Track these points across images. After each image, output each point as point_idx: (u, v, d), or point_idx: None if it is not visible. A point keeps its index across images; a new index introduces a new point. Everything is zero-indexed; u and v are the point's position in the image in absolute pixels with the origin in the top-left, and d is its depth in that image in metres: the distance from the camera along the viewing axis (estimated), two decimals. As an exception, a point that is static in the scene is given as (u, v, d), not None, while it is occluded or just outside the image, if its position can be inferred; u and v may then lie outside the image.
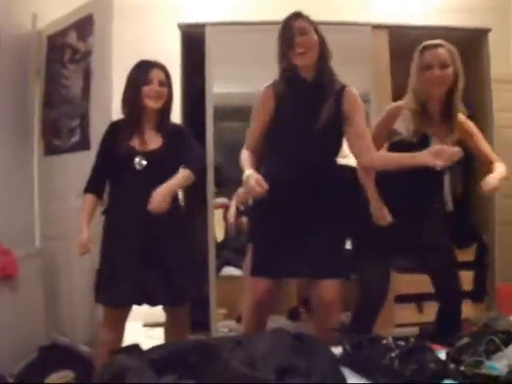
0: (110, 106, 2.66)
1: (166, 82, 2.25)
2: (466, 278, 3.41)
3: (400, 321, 3.16)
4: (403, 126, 2.17)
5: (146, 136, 2.21)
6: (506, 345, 1.78)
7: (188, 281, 2.20)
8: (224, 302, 3.15)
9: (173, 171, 2.21)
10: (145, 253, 2.13)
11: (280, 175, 2.09)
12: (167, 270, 2.15)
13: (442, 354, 1.78)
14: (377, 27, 3.14)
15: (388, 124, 2.22)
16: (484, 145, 2.32)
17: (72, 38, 2.99)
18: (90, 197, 2.25)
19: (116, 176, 2.22)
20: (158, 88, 2.20)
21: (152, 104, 2.20)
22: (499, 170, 2.22)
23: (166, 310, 2.31)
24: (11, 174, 2.12)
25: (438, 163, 1.84)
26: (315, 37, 2.06)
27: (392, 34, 3.15)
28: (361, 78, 3.07)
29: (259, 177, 1.95)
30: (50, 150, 3.10)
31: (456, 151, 1.84)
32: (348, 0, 3.71)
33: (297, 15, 2.07)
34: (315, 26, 2.08)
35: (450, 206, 3.52)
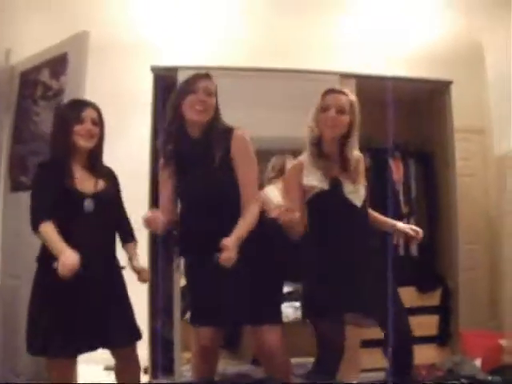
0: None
1: (99, 122, 2.19)
2: (431, 323, 3.46)
3: (366, 366, 3.15)
4: (311, 180, 2.18)
5: (80, 177, 2.13)
6: (469, 390, 1.80)
7: (134, 319, 2.18)
8: (189, 346, 3.09)
9: (115, 214, 2.22)
10: (91, 297, 2.06)
11: (192, 226, 2.12)
12: (117, 310, 2.11)
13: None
14: (344, 76, 3.25)
15: (294, 181, 2.22)
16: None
17: (45, 75, 3.00)
18: (50, 223, 2.01)
19: (61, 220, 2.05)
20: (91, 127, 2.14)
21: (84, 143, 2.13)
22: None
23: (115, 353, 2.20)
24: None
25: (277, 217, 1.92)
26: (214, 101, 2.12)
27: (359, 83, 3.25)
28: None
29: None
30: (16, 186, 3.06)
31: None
32: (317, 49, 3.83)
33: (206, 75, 2.14)
34: (216, 87, 2.15)
35: (414, 251, 3.58)
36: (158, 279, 2.84)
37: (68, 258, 1.92)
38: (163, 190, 2.23)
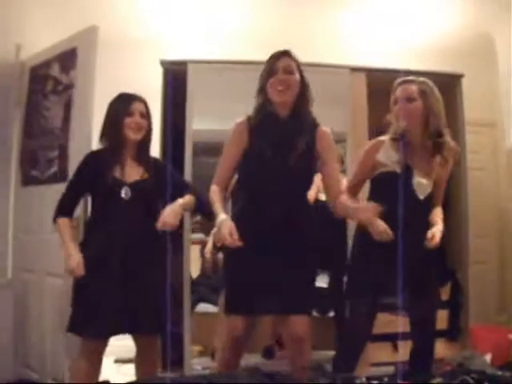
0: (90, 139, 2.66)
1: (147, 115, 2.29)
2: (441, 317, 3.44)
3: (375, 360, 3.15)
4: (386, 158, 2.23)
5: (127, 167, 2.23)
6: (479, 385, 1.80)
7: (160, 311, 2.19)
8: (199, 339, 3.11)
9: (157, 203, 2.25)
10: (125, 282, 2.11)
11: (252, 211, 2.11)
12: (147, 298, 2.14)
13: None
14: (355, 69, 3.24)
15: (368, 156, 2.27)
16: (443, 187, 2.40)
17: (55, 70, 3.01)
18: (66, 220, 2.23)
19: (99, 207, 2.22)
20: (140, 120, 2.24)
21: (133, 135, 2.23)
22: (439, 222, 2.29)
23: (137, 343, 2.27)
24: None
25: (363, 218, 2.03)
26: (298, 77, 2.10)
27: (369, 76, 3.24)
28: (338, 119, 3.14)
29: (232, 226, 1.96)
30: (28, 180, 3.08)
31: (372, 208, 1.99)
32: (327, 43, 3.82)
33: (284, 53, 2.12)
34: (300, 66, 2.14)
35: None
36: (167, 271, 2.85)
37: (71, 263, 2.10)
38: (226, 162, 2.18)
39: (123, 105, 2.25)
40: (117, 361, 3.38)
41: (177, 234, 2.77)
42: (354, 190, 2.31)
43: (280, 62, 2.09)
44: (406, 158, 2.21)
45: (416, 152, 2.24)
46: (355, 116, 3.23)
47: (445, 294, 3.50)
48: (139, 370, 2.31)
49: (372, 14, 3.90)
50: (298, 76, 2.10)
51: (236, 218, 2.09)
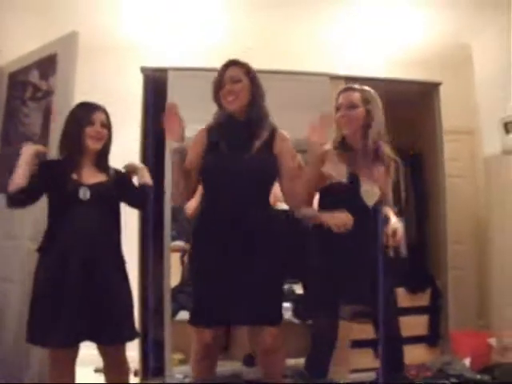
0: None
1: (107, 124, 2.30)
2: (421, 323, 3.48)
3: (356, 366, 3.16)
4: (332, 169, 2.25)
5: (85, 170, 2.24)
6: (458, 390, 1.82)
7: (128, 320, 2.18)
8: (179, 347, 3.08)
9: (115, 206, 2.29)
10: (86, 289, 2.08)
11: (213, 214, 2.12)
12: (108, 306, 2.11)
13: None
14: (334, 78, 3.27)
15: (316, 168, 2.25)
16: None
17: (34, 76, 2.99)
18: None
19: (57, 210, 2.19)
20: (100, 129, 2.25)
21: (93, 145, 2.25)
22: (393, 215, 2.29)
23: (102, 352, 2.22)
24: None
25: (333, 226, 2.06)
26: (245, 83, 2.14)
27: (348, 84, 3.27)
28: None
29: None
30: (4, 187, 3.03)
31: (345, 219, 2.04)
32: (307, 51, 3.84)
33: (231, 62, 2.18)
34: (249, 70, 2.17)
35: (403, 252, 3.60)
36: (148, 279, 2.84)
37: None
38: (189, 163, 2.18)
39: (84, 114, 2.26)
40: (97, 370, 3.33)
41: (156, 242, 2.78)
42: (308, 199, 2.32)
43: (228, 72, 2.15)
44: (351, 166, 2.23)
45: (359, 160, 2.26)
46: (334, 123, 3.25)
47: (424, 299, 3.53)
48: (108, 378, 2.27)
49: (352, 23, 3.93)
50: (245, 82, 2.14)
51: (199, 221, 2.17)
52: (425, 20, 3.94)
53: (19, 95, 3.06)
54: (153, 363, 3.03)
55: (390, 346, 2.21)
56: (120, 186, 2.30)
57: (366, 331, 3.11)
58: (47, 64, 2.90)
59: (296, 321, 3.18)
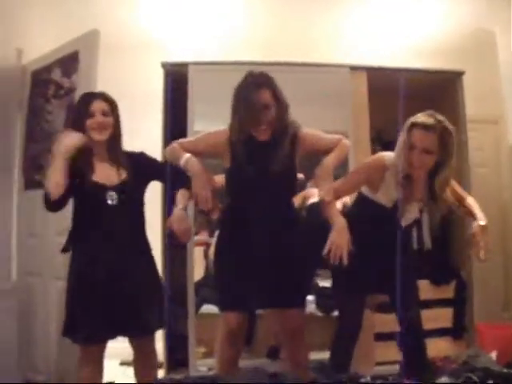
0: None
1: (111, 112, 2.16)
2: (446, 315, 3.44)
3: (381, 359, 3.15)
4: (383, 190, 2.19)
5: (100, 168, 2.15)
6: (484, 382, 1.79)
7: (155, 311, 2.17)
8: (203, 341, 3.11)
9: (140, 201, 2.23)
10: (114, 286, 2.09)
11: (241, 214, 2.18)
12: (136, 301, 2.11)
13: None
14: (355, 68, 3.23)
15: (372, 172, 2.21)
16: (464, 194, 2.35)
17: (56, 74, 3.02)
18: None
19: (83, 214, 2.14)
20: (102, 119, 2.12)
21: (97, 136, 2.12)
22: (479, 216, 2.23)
23: (132, 346, 2.24)
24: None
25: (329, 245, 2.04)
26: (275, 108, 2.12)
27: (370, 75, 3.24)
28: (339, 118, 3.12)
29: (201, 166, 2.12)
30: (31, 184, 3.09)
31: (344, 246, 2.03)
32: (327, 42, 3.82)
33: (260, 85, 2.11)
34: (275, 89, 2.14)
35: (428, 244, 3.56)
36: (172, 272, 2.85)
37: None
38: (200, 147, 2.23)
39: (82, 106, 2.15)
40: (122, 363, 3.38)
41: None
42: (340, 195, 2.28)
43: (258, 99, 2.08)
44: (405, 197, 2.16)
45: (414, 187, 2.19)
46: (356, 115, 3.22)
47: (449, 292, 3.49)
48: (137, 373, 2.29)
49: (372, 12, 3.90)
50: (275, 109, 2.12)
51: (225, 215, 2.23)
52: (446, 7, 3.89)
53: (42, 93, 3.10)
54: (177, 357, 3.06)
55: (411, 337, 2.21)
56: (140, 176, 2.21)
57: (390, 324, 3.11)
58: (69, 62, 2.93)
59: (319, 313, 3.18)
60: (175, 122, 2.96)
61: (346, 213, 2.33)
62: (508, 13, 3.85)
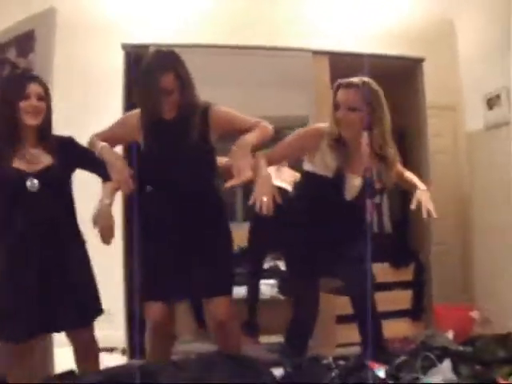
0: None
1: (45, 96, 2.10)
2: (405, 297, 3.53)
3: (342, 340, 3.20)
4: (320, 162, 2.18)
5: (25, 154, 2.05)
6: (441, 360, 1.85)
7: (91, 298, 2.13)
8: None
9: (68, 188, 2.16)
10: (45, 279, 2.00)
11: (159, 199, 2.16)
12: (69, 291, 2.04)
13: (381, 372, 1.83)
14: (317, 53, 3.24)
15: (304, 144, 2.21)
16: (402, 169, 2.39)
17: (12, 53, 2.92)
18: None
19: (4, 203, 2.05)
20: (37, 103, 2.05)
21: (31, 121, 2.04)
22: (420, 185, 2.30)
23: (69, 334, 2.15)
24: None
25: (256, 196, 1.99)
26: (179, 91, 2.07)
27: (332, 60, 3.25)
28: (302, 103, 3.12)
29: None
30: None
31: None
32: (290, 26, 3.80)
33: (163, 68, 2.04)
34: (179, 71, 2.08)
35: (388, 228, 3.63)
36: (134, 256, 2.81)
37: None
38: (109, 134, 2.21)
39: (17, 87, 2.05)
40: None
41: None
42: (272, 162, 2.25)
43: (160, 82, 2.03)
44: (341, 161, 2.16)
45: (351, 154, 2.19)
46: (318, 100, 3.23)
47: (408, 274, 3.57)
48: (78, 359, 2.19)
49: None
50: (175, 92, 2.07)
51: (143, 203, 2.13)
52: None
53: (-4, 73, 3.00)
54: (139, 342, 3.03)
55: (366, 320, 2.24)
56: (68, 161, 2.13)
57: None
58: (25, 41, 2.84)
59: (281, 297, 3.20)
60: (135, 104, 2.91)
61: (293, 194, 2.32)
62: (468, 2, 3.92)
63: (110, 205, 2.10)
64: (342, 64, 3.09)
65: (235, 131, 2.14)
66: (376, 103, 2.11)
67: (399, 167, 2.35)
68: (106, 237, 2.08)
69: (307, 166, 2.25)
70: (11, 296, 1.99)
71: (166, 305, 2.14)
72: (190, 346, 3.03)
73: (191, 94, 2.12)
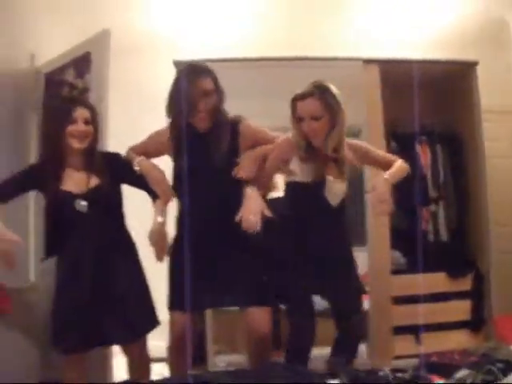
0: (106, 143, 2.68)
1: (92, 120, 2.14)
2: (463, 308, 3.42)
3: (399, 352, 3.14)
4: (298, 168, 2.19)
5: (71, 176, 2.12)
6: (505, 374, 1.78)
7: (142, 315, 2.15)
8: (221, 337, 3.12)
9: (118, 205, 2.21)
10: (98, 293, 2.06)
11: (192, 210, 2.08)
12: (121, 306, 2.08)
13: (441, 386, 1.78)
14: (368, 61, 3.21)
15: (282, 155, 2.21)
16: (378, 152, 2.36)
17: (70, 74, 3.05)
18: None
19: (53, 223, 2.14)
20: (83, 127, 2.09)
21: (77, 145, 2.09)
22: (394, 167, 2.21)
23: (122, 347, 2.22)
24: (7, 206, 2.11)
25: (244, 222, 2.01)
26: (215, 96, 2.10)
27: (383, 67, 3.21)
28: (353, 113, 3.09)
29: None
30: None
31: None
32: (339, 35, 3.79)
33: (200, 72, 2.10)
34: (215, 77, 2.12)
35: (444, 236, 3.54)
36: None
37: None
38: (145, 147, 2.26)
39: (64, 112, 2.10)
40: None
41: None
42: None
43: (198, 85, 2.07)
44: (317, 166, 2.17)
45: (324, 160, 2.19)
46: (370, 109, 3.21)
47: (466, 284, 3.46)
48: (130, 371, 2.25)
49: (384, 3, 3.86)
50: (215, 96, 2.10)
51: (177, 215, 2.18)
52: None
53: (56, 94, 3.13)
54: (195, 354, 3.07)
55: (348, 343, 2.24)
56: (117, 175, 2.18)
57: (407, 317, 3.10)
58: (82, 63, 2.96)
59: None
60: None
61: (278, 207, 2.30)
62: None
63: (163, 223, 2.12)
64: (392, 72, 3.06)
65: (259, 145, 2.18)
66: (334, 105, 2.12)
67: (384, 156, 2.35)
68: (160, 254, 2.11)
69: (287, 178, 2.27)
70: (67, 310, 2.06)
71: (191, 317, 2.08)
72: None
73: (223, 103, 2.16)
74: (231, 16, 3.84)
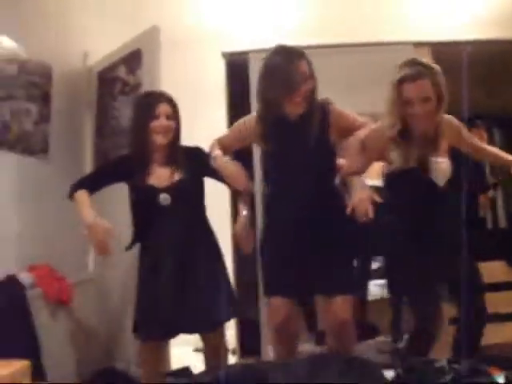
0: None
1: (174, 115, 2.20)
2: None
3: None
4: (398, 157, 2.12)
5: (156, 170, 2.19)
6: None
7: (222, 304, 2.19)
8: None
9: (199, 198, 2.25)
10: (179, 284, 2.12)
11: (280, 199, 2.11)
12: (200, 297, 2.13)
13: (501, 378, 1.73)
14: (418, 45, 3.13)
15: (378, 146, 2.12)
16: (465, 131, 2.23)
17: (121, 71, 3.12)
18: (85, 192, 2.15)
19: (138, 215, 2.21)
20: (166, 123, 2.15)
21: (161, 140, 2.16)
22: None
23: (201, 337, 2.27)
24: (66, 201, 2.19)
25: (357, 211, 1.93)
26: (312, 80, 2.03)
27: (434, 50, 3.12)
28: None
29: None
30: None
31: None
32: (388, 20, 3.71)
33: (298, 56, 2.01)
34: (310, 61, 2.04)
35: (503, 223, 3.42)
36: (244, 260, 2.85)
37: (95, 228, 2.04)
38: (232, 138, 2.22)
39: (147, 108, 2.17)
40: (196, 350, 3.47)
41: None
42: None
43: (298, 68, 1.98)
44: (417, 150, 2.09)
45: (424, 141, 2.11)
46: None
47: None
48: (207, 359, 2.31)
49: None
50: (309, 81, 2.01)
51: (267, 202, 2.18)
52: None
53: (109, 91, 3.22)
54: (250, 343, 3.10)
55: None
56: (199, 169, 2.22)
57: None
58: (133, 59, 3.02)
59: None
60: (239, 111, 2.99)
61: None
62: None
63: (246, 217, 2.14)
64: (444, 54, 2.96)
65: (348, 131, 2.10)
66: (441, 84, 2.04)
67: (475, 142, 2.28)
68: (245, 247, 2.15)
69: (387, 169, 2.22)
70: (150, 301, 2.14)
71: (290, 302, 2.08)
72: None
73: (317, 88, 2.08)
74: (278, 6, 3.82)
